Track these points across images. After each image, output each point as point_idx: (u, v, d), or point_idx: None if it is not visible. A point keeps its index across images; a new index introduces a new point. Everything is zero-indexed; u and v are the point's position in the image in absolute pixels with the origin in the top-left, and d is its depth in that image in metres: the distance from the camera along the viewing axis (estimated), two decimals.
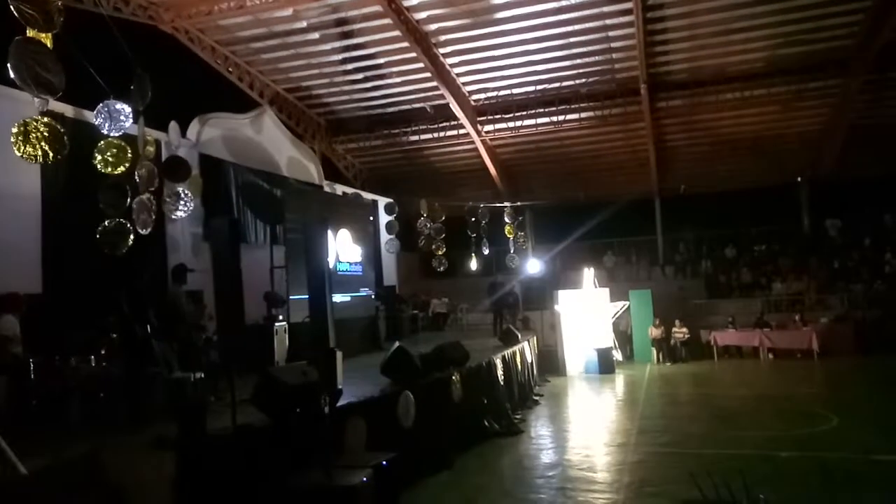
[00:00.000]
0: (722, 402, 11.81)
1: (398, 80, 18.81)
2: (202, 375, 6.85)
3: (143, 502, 4.94)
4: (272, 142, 14.99)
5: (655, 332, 17.83)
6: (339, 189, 17.88)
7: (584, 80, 18.87)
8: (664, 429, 9.94)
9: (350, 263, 13.66)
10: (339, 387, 6.48)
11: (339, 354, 6.46)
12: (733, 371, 16.35)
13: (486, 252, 20.28)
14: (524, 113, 20.12)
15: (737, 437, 9.18)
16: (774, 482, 6.13)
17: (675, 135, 20.85)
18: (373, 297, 14.81)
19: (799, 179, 21.73)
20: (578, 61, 17.98)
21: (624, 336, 18.42)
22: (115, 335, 6.99)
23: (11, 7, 6.16)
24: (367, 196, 18.70)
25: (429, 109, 20.08)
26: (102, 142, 8.26)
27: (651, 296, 18.37)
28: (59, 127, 7.18)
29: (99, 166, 8.25)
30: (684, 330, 17.93)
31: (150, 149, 9.60)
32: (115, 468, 5.00)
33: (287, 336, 9.93)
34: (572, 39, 16.94)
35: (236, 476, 5.39)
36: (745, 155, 21.10)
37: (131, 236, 8.41)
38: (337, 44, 17.07)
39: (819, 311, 18.44)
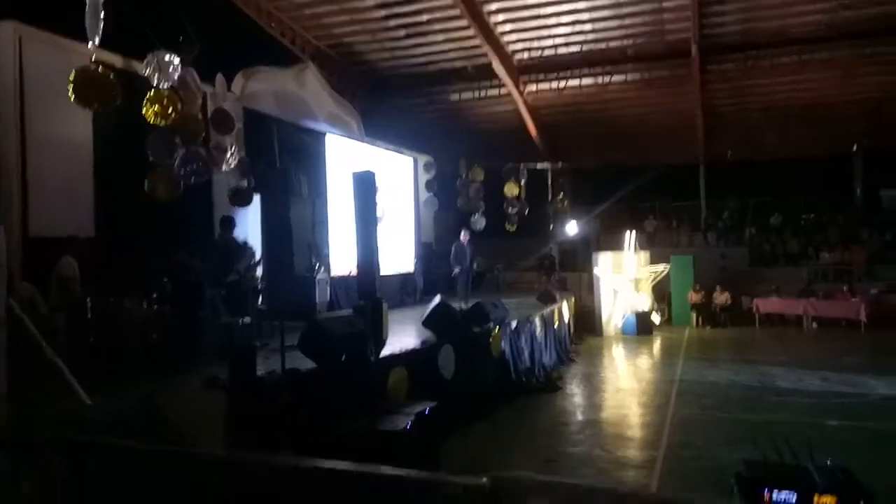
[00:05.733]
0: (764, 367, 11.55)
1: (441, 37, 18.46)
2: (249, 320, 7.00)
3: (197, 439, 5.12)
4: (314, 97, 14.96)
5: (695, 297, 17.57)
6: (380, 146, 17.80)
7: (632, 41, 18.22)
8: (704, 392, 9.84)
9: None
10: (385, 337, 6.56)
11: (384, 305, 6.52)
12: (776, 337, 16.04)
13: (525, 213, 20.06)
14: (568, 73, 19.65)
15: (781, 403, 9.03)
16: (826, 450, 5.99)
17: (725, 100, 20.06)
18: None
19: (855, 148, 20.85)
20: (627, 21, 17.35)
21: (663, 299, 18.21)
22: (166, 280, 7.16)
23: None
24: (407, 153, 18.61)
25: (469, 69, 19.74)
26: (152, 92, 8.33)
27: (693, 261, 18.05)
28: (111, 76, 7.31)
29: (149, 117, 8.33)
30: (726, 295, 17.62)
31: (198, 101, 9.66)
32: (170, 407, 5.19)
33: (329, 288, 10.07)
34: None
35: (284, 418, 5.53)
36: (798, 122, 20.19)
37: (181, 186, 8.53)
38: None
39: (869, 283, 17.90)
